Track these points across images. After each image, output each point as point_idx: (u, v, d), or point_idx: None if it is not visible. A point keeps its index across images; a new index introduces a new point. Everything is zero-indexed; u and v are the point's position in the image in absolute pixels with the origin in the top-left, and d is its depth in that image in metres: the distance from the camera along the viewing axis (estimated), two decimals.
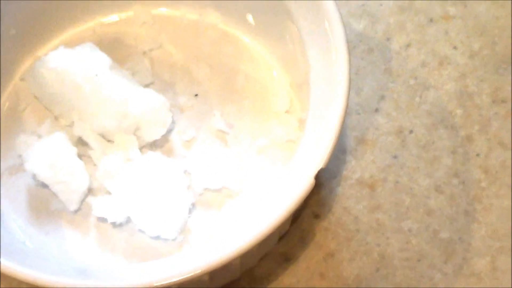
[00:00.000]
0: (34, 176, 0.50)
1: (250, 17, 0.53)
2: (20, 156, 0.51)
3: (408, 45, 0.55)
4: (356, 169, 0.51)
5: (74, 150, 0.50)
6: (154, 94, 0.51)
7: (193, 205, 0.49)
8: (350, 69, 0.44)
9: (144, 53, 0.54)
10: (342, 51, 0.45)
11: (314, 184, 0.42)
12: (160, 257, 0.47)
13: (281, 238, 0.49)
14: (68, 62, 0.50)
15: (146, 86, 0.53)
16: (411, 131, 0.52)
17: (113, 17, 0.56)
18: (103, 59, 0.51)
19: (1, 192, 0.50)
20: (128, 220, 0.49)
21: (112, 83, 0.50)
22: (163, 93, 0.52)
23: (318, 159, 0.43)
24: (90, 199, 0.50)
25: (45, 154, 0.49)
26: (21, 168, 0.51)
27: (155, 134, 0.51)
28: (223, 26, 0.55)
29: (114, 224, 0.49)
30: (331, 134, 0.43)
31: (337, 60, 0.45)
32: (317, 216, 0.50)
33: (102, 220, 0.49)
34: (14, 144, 0.51)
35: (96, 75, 0.50)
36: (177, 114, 0.52)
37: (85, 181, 0.49)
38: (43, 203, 0.50)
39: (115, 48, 0.54)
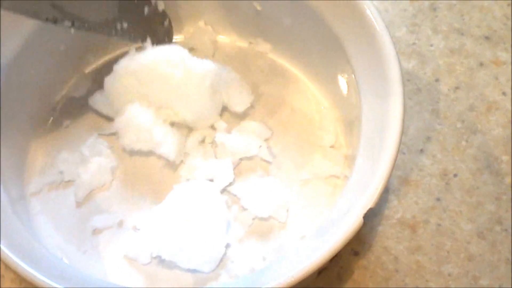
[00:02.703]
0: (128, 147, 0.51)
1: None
2: (61, 172, 0.51)
3: (456, 88, 0.55)
4: (398, 209, 0.51)
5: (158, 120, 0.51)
6: (233, 71, 0.53)
7: (236, 235, 0.49)
8: (405, 112, 0.44)
9: None
10: (398, 94, 0.44)
11: (362, 223, 0.42)
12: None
13: (319, 273, 0.49)
14: (152, 56, 0.50)
15: None
16: (455, 175, 0.52)
17: None
18: (180, 48, 0.51)
19: (41, 207, 0.50)
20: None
21: (198, 64, 0.51)
22: None
23: (367, 199, 0.43)
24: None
25: (133, 126, 0.50)
26: (61, 185, 0.51)
27: (243, 104, 0.52)
28: (272, 55, 0.55)
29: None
30: (383, 175, 0.43)
31: (392, 102, 0.44)
32: (356, 254, 0.50)
33: None
34: (55, 161, 0.51)
35: (184, 59, 0.50)
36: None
37: (175, 147, 0.51)
38: (82, 222, 0.50)
39: None
